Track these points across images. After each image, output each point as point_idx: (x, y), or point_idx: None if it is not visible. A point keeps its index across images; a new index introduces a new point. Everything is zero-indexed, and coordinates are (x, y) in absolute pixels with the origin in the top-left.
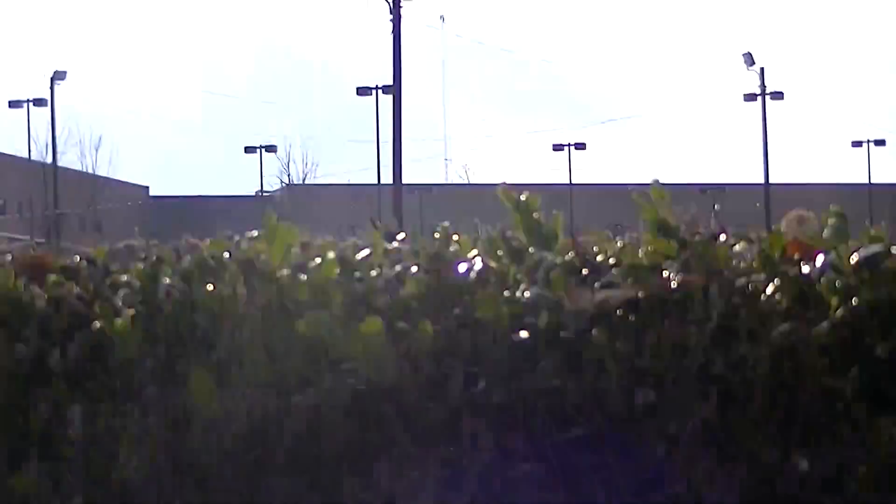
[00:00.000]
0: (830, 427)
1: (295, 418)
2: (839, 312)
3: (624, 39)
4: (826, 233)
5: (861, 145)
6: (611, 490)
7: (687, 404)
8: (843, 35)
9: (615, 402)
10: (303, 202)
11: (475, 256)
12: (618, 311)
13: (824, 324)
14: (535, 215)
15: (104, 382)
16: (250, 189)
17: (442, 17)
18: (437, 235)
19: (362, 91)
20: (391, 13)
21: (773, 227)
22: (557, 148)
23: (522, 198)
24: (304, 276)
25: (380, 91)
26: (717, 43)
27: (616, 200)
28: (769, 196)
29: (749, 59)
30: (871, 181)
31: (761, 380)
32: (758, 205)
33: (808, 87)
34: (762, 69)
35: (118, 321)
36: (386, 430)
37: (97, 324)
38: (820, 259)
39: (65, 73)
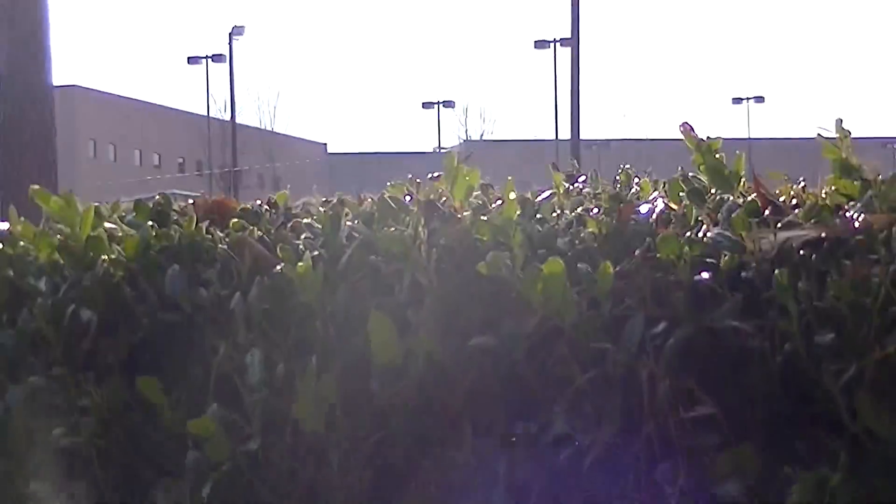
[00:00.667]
0: None
1: (475, 361)
2: None
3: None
4: None
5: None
6: (788, 431)
7: (868, 346)
8: None
9: (796, 344)
10: (481, 158)
11: (656, 198)
12: (800, 252)
13: None
14: (717, 156)
15: (285, 326)
16: (428, 146)
17: None
18: (618, 178)
19: (540, 45)
20: None
21: None
22: (736, 101)
23: (704, 138)
24: (485, 218)
25: (558, 44)
26: None
27: (795, 154)
28: None
29: None
30: None
31: None
32: None
33: None
34: None
35: (300, 264)
36: (563, 372)
37: (279, 267)
38: None
39: (243, 28)
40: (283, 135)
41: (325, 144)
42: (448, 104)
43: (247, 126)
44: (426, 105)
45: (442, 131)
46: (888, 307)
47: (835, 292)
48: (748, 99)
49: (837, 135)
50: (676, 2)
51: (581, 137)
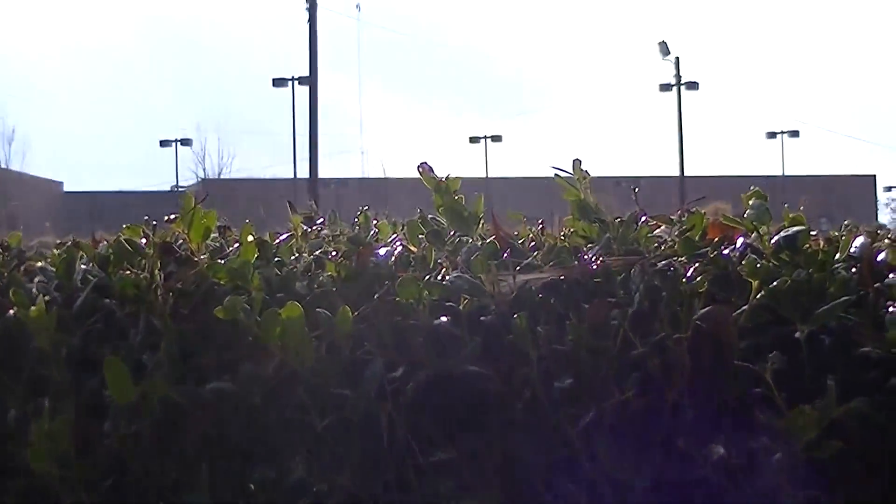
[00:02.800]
0: (749, 412)
1: (212, 405)
2: (759, 295)
3: (540, 30)
4: (747, 214)
5: (775, 136)
6: (529, 476)
7: (607, 389)
8: (758, 26)
9: (536, 388)
10: (218, 197)
11: (395, 240)
12: (539, 295)
13: (744, 307)
14: (455, 197)
15: (17, 370)
16: (165, 184)
17: (358, 6)
18: (356, 220)
19: (278, 83)
20: (307, 2)
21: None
22: (474, 140)
23: (443, 178)
24: (222, 261)
25: (296, 82)
26: (632, 33)
27: (532, 192)
28: (684, 187)
29: (664, 49)
30: (786, 173)
31: (681, 363)
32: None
33: (723, 77)
34: (677, 59)
35: (33, 308)
36: (302, 417)
37: (11, 311)
38: (740, 241)
39: None
40: (18, 172)
41: (62, 183)
42: (186, 142)
43: None
44: (164, 143)
45: (179, 170)
46: (627, 351)
47: (573, 336)
48: (485, 138)
49: (576, 175)
50: (418, 48)
51: (320, 175)
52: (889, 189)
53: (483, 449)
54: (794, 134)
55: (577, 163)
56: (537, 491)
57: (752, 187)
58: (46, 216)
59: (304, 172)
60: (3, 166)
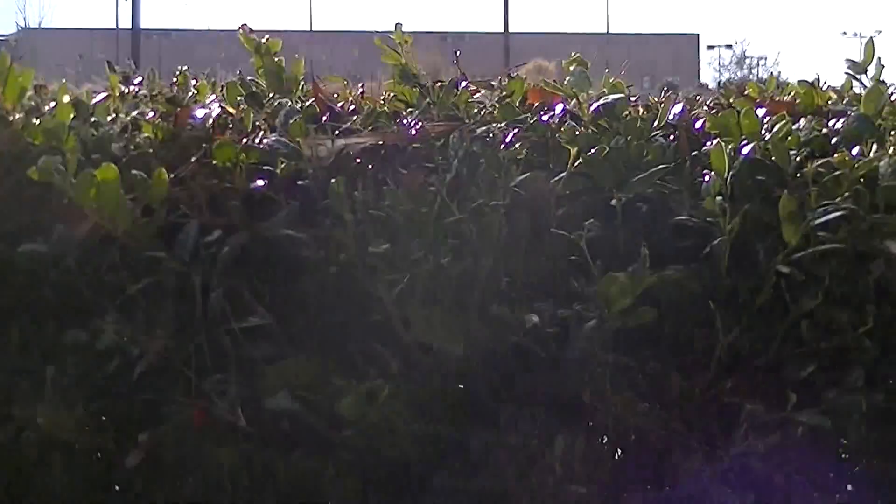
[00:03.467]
0: (565, 279)
1: (25, 266)
2: (577, 163)
3: None
4: (566, 81)
5: None
6: (345, 342)
7: (422, 255)
8: None
9: (351, 253)
10: (40, 46)
11: (213, 102)
12: (357, 160)
13: (562, 174)
14: (276, 59)
15: None
16: None
17: None
18: (174, 80)
19: None
20: None
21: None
22: None
23: (263, 40)
24: (37, 121)
25: None
26: None
27: (357, 48)
28: (509, 44)
29: None
30: (610, 30)
31: (496, 230)
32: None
33: None
34: None
35: None
36: (116, 280)
37: None
38: (559, 107)
39: None
40: None
41: None
42: None
43: None
44: None
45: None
46: (444, 217)
47: (390, 201)
48: None
49: (396, 38)
50: None
51: (141, 27)
52: (711, 48)
53: (297, 313)
54: None
55: (398, 26)
56: (352, 356)
57: (574, 53)
58: None
59: (126, 23)
60: None
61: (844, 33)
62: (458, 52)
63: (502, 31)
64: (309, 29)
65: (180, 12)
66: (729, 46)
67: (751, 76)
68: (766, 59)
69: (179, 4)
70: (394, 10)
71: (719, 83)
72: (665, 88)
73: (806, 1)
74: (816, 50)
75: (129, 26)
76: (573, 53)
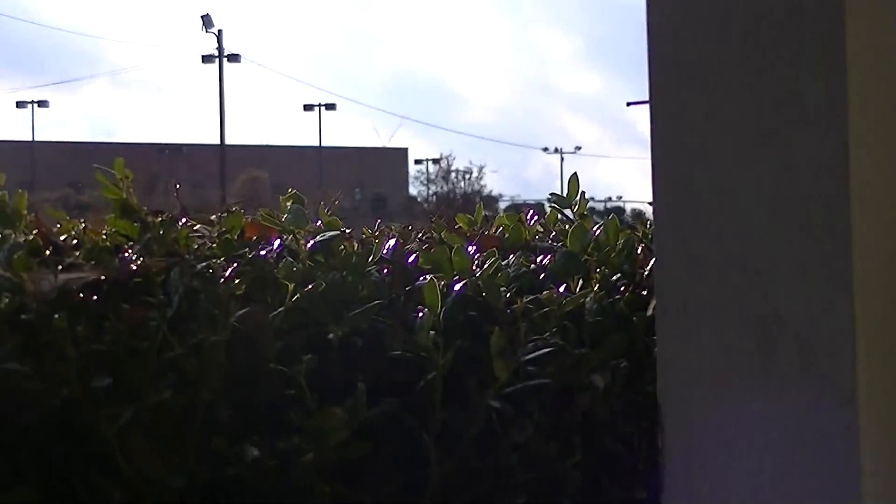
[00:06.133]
0: (284, 413)
1: None
2: (295, 297)
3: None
4: (284, 217)
5: (313, 108)
6: (67, 472)
7: (145, 389)
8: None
9: (74, 387)
10: None
11: None
12: (80, 294)
13: (281, 309)
14: None
15: None
16: None
17: None
18: None
19: None
20: None
21: (226, 189)
22: (21, 105)
23: None
24: None
25: None
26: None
27: (79, 158)
28: (225, 156)
29: (208, 21)
30: (323, 144)
31: (216, 365)
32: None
33: (265, 51)
34: (220, 31)
35: None
36: None
37: None
38: (277, 243)
39: None
40: None
41: None
42: None
43: None
44: None
45: None
46: (165, 351)
47: (112, 336)
48: (32, 103)
49: (118, 173)
50: None
51: None
52: (419, 162)
53: (21, 445)
54: (331, 107)
55: (119, 162)
56: (75, 488)
57: (287, 166)
58: None
59: None
60: None
61: (546, 149)
62: (177, 186)
63: (219, 142)
64: (31, 139)
65: None
66: (436, 161)
67: (456, 189)
68: (470, 172)
69: None
70: (116, 124)
71: (427, 196)
72: (375, 200)
73: (509, 121)
74: (519, 165)
75: None
76: (287, 165)
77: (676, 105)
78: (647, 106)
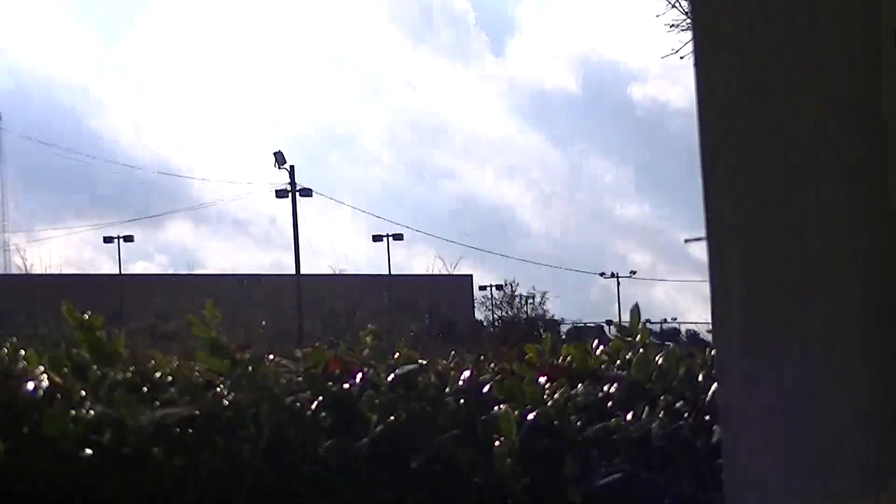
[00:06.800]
0: None
1: None
2: (378, 428)
3: (170, 131)
4: (365, 352)
5: (382, 239)
6: None
7: None
8: (365, 141)
9: None
10: None
11: (42, 373)
12: (176, 429)
13: (365, 440)
14: (98, 333)
15: None
16: None
17: None
18: (5, 351)
19: None
20: None
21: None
22: (108, 240)
23: (86, 317)
24: None
25: None
26: (249, 141)
27: (164, 289)
28: (301, 286)
29: (281, 159)
30: (392, 272)
31: (309, 492)
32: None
33: (334, 185)
34: (292, 167)
35: None
36: None
37: None
38: (359, 377)
39: None
40: None
41: None
42: None
43: None
44: None
45: None
46: (261, 481)
47: (205, 471)
48: (118, 238)
49: (209, 314)
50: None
51: None
52: (483, 288)
53: None
54: (398, 237)
55: (210, 303)
56: None
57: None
58: None
59: None
60: None
61: (602, 274)
62: (263, 323)
63: (294, 273)
64: (118, 272)
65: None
66: (499, 287)
67: (520, 314)
68: (533, 297)
69: None
70: (199, 257)
71: (493, 320)
72: (443, 326)
73: (567, 248)
74: (578, 289)
75: None
76: (359, 293)
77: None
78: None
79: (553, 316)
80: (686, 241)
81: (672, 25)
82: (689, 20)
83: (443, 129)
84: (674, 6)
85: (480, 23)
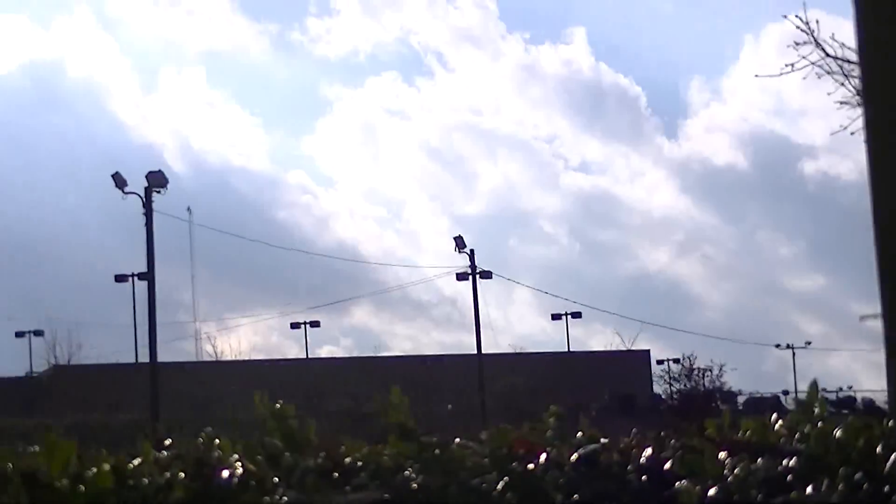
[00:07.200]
0: None
1: None
2: None
3: (345, 233)
4: (548, 433)
5: (560, 318)
6: None
7: None
8: (541, 222)
9: None
10: (69, 381)
11: (236, 461)
12: None
13: None
14: (290, 422)
15: None
16: (21, 370)
17: (189, 210)
18: (200, 440)
19: (120, 278)
20: (144, 206)
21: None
22: (294, 326)
23: (277, 406)
24: (82, 486)
25: (135, 278)
26: (432, 226)
27: (352, 372)
28: (482, 365)
29: (461, 243)
30: (570, 349)
31: None
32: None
33: (512, 265)
34: (472, 251)
35: None
36: None
37: None
38: (543, 457)
39: None
40: None
41: None
42: (38, 333)
43: None
44: (18, 334)
45: (33, 357)
46: None
47: None
48: (305, 324)
49: (396, 399)
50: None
51: (159, 360)
52: (661, 363)
53: None
54: (577, 315)
55: (396, 390)
56: None
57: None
58: None
59: (144, 358)
60: None
61: (778, 345)
62: (449, 406)
63: (475, 353)
64: (305, 356)
65: (191, 347)
66: (677, 361)
67: (699, 387)
68: (711, 370)
69: (190, 340)
70: (377, 337)
71: (671, 394)
72: (623, 400)
73: (741, 320)
74: (754, 361)
75: (148, 360)
76: (538, 371)
77: None
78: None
79: (730, 387)
80: (861, 318)
81: (842, 103)
82: (858, 98)
83: (617, 209)
84: (842, 85)
85: (652, 106)
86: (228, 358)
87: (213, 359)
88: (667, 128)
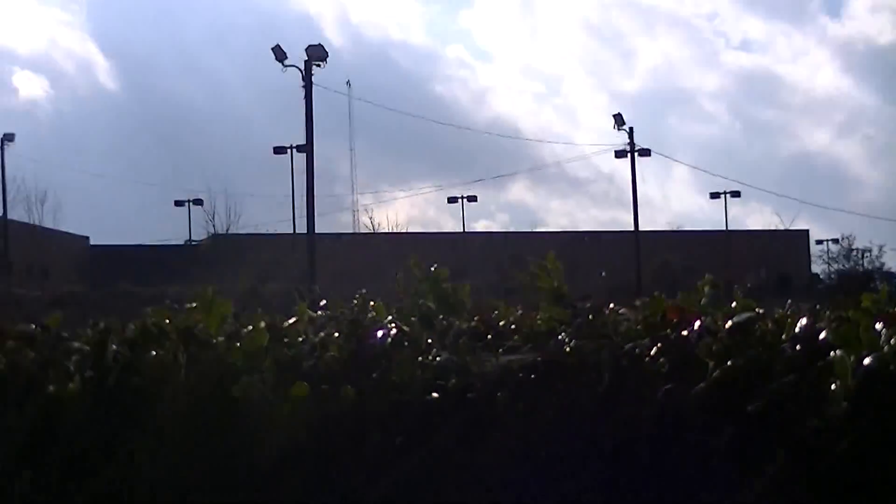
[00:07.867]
0: (707, 482)
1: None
2: (715, 374)
3: (508, 104)
4: (703, 301)
5: (719, 196)
6: None
7: (579, 462)
8: (701, 100)
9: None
10: (227, 250)
11: (390, 323)
12: (519, 374)
13: (701, 384)
14: (444, 285)
15: (54, 442)
16: (180, 239)
17: (349, 83)
18: (354, 302)
19: (279, 150)
20: (303, 80)
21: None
22: (452, 200)
23: (432, 269)
24: (238, 344)
25: (294, 150)
26: (590, 104)
27: (506, 247)
28: (639, 242)
29: (620, 120)
30: (729, 228)
31: (646, 437)
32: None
33: (671, 145)
34: (631, 129)
35: (70, 385)
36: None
37: (51, 387)
38: (697, 324)
39: (13, 135)
40: (49, 229)
41: (88, 237)
42: (197, 202)
43: (16, 221)
44: (178, 203)
45: (192, 226)
46: (598, 427)
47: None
48: (462, 198)
49: (550, 265)
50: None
51: (316, 231)
52: (820, 242)
53: None
54: (736, 194)
55: (551, 256)
56: None
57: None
58: (75, 268)
59: (302, 228)
60: (37, 224)
61: None
62: (602, 273)
63: (632, 229)
64: (462, 230)
65: (348, 219)
66: (836, 241)
67: (857, 268)
68: (870, 251)
69: (347, 212)
70: (537, 215)
71: (829, 274)
72: (779, 279)
73: None
74: None
75: (306, 231)
76: (695, 249)
77: None
78: None
79: (889, 268)
80: None
81: None
82: None
83: (778, 89)
84: None
85: None
86: (385, 230)
87: (370, 231)
88: (830, 6)
